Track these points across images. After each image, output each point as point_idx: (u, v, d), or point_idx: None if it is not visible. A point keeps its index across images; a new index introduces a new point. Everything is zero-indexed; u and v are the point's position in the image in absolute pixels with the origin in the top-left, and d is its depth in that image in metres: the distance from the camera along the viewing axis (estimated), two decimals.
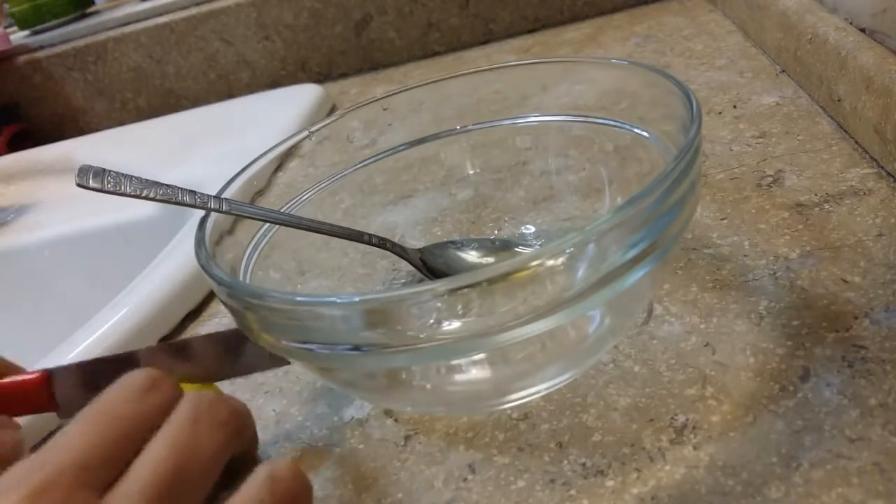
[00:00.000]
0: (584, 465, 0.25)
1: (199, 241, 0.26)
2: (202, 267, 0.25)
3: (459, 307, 0.21)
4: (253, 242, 0.31)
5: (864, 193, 0.35)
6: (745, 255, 0.33)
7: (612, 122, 0.33)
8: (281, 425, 0.31)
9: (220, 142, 0.62)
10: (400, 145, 0.37)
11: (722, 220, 0.36)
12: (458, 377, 0.28)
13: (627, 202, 0.21)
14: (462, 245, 0.36)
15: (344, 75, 0.80)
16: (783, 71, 0.50)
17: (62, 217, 0.62)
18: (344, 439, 0.30)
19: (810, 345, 0.28)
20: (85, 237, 0.59)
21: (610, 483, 0.25)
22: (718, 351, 0.29)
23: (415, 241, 0.37)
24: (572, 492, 0.25)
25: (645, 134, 0.31)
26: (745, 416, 0.25)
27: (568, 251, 0.21)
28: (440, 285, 0.20)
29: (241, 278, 0.29)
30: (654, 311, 0.31)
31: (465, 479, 0.26)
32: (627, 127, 0.32)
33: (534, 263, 0.20)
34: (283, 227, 0.32)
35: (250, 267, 0.30)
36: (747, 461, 0.24)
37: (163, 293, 0.40)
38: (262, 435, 0.31)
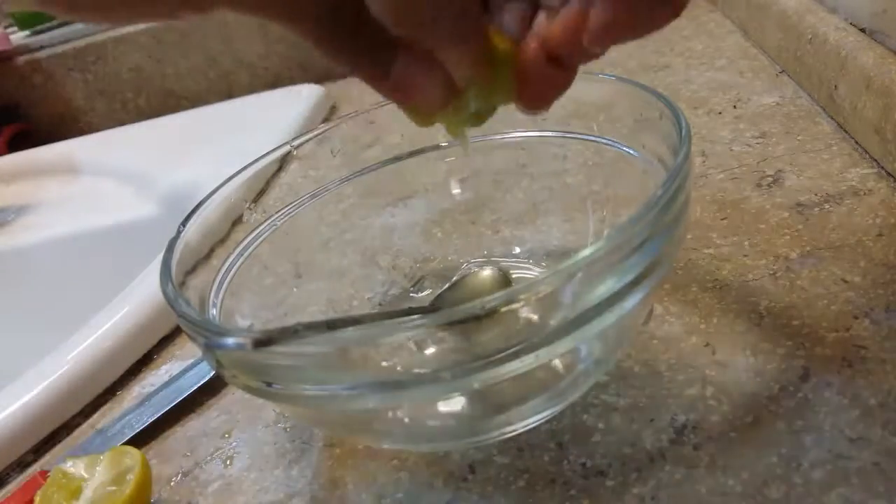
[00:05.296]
0: (584, 465, 0.25)
1: (166, 270, 0.25)
2: (169, 302, 0.24)
3: (435, 342, 0.20)
4: (245, 243, 0.31)
5: (864, 193, 0.35)
6: (745, 255, 0.33)
7: (602, 140, 0.32)
8: (281, 424, 0.31)
9: (220, 142, 0.62)
10: (375, 163, 0.36)
11: (722, 220, 0.36)
12: (439, 408, 0.27)
13: (605, 240, 0.21)
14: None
15: (344, 76, 0.80)
16: (783, 71, 0.50)
17: (62, 217, 0.62)
18: (345, 439, 0.30)
19: (810, 345, 0.28)
20: (85, 237, 0.59)
21: (610, 483, 0.25)
22: (718, 351, 0.29)
23: (414, 241, 0.37)
24: (572, 492, 0.25)
25: (633, 152, 0.31)
26: (745, 416, 0.25)
27: (548, 289, 0.20)
28: (411, 321, 0.19)
29: (224, 281, 0.29)
30: (654, 311, 0.31)
31: (465, 479, 0.26)
32: (618, 145, 0.32)
33: (519, 299, 0.20)
34: (279, 229, 0.33)
35: (233, 269, 0.30)
36: (747, 461, 0.24)
37: None
38: (263, 434, 0.31)
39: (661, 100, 0.27)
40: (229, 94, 0.82)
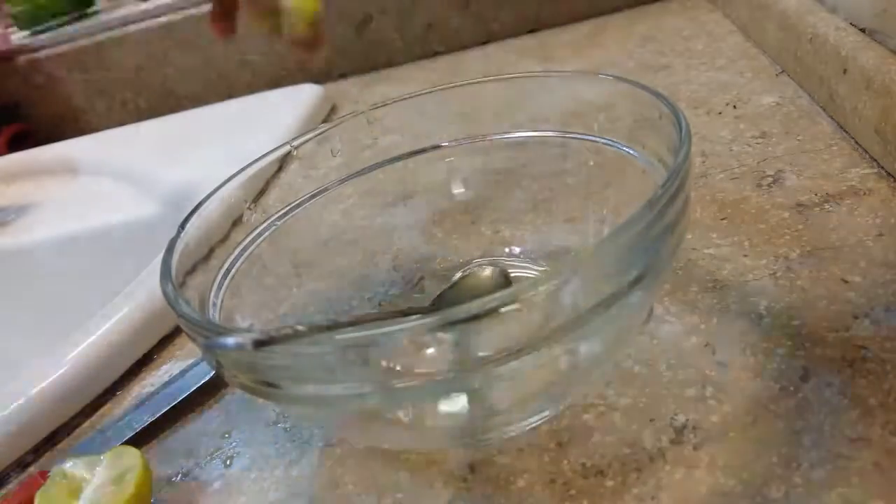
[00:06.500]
0: (584, 465, 0.25)
1: (166, 270, 0.25)
2: (169, 302, 0.24)
3: (435, 342, 0.20)
4: (244, 244, 0.31)
5: (864, 193, 0.35)
6: (745, 255, 0.33)
7: (602, 140, 0.32)
8: (281, 424, 0.31)
9: (220, 142, 0.62)
10: (375, 163, 0.36)
11: (722, 219, 0.36)
12: (439, 408, 0.27)
13: (605, 240, 0.21)
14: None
15: (344, 75, 0.80)
16: (783, 71, 0.50)
17: (62, 217, 0.62)
18: (344, 439, 0.30)
19: (810, 345, 0.28)
20: (85, 237, 0.59)
21: (610, 483, 0.25)
22: (718, 351, 0.29)
23: (414, 241, 0.37)
24: (572, 492, 0.25)
25: (633, 152, 0.31)
26: (745, 416, 0.25)
27: (548, 289, 0.20)
28: (411, 322, 0.19)
29: (224, 280, 0.29)
30: (654, 311, 0.31)
31: (465, 479, 0.26)
32: (618, 145, 0.32)
33: (519, 299, 0.20)
34: (279, 229, 0.32)
35: (233, 270, 0.30)
36: (747, 461, 0.24)
37: None
38: (263, 434, 0.31)
39: (661, 100, 0.27)
40: (229, 94, 0.82)
